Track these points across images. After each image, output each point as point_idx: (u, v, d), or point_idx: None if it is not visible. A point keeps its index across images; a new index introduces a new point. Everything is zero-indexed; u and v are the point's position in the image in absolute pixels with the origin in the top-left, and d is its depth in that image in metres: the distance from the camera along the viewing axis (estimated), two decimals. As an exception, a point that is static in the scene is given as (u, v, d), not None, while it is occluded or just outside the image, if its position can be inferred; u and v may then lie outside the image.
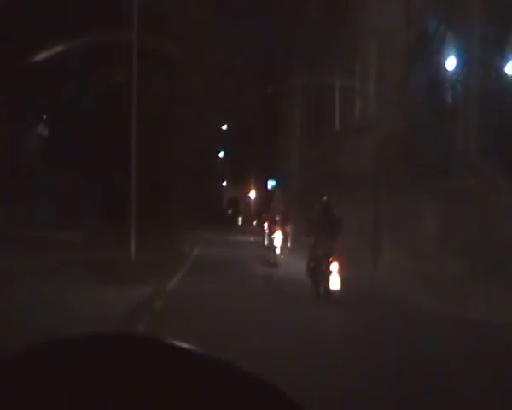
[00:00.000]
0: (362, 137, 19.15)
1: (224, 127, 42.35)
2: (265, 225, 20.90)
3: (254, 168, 45.51)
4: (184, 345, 0.94)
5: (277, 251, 18.62)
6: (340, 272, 11.10)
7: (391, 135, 16.42)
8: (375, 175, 17.23)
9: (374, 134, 17.91)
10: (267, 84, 32.76)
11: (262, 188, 42.44)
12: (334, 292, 11.10)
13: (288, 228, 19.58)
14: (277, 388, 0.92)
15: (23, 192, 18.40)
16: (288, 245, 19.80)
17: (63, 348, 0.96)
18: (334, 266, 11.09)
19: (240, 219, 45.13)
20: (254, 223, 32.04)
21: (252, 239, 28.19)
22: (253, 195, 45.09)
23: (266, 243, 20.30)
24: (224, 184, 52.53)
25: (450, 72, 15.29)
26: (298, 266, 13.50)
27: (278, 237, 18.81)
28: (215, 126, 36.23)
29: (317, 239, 11.66)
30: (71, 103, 19.05)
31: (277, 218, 19.23)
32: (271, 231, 19.28)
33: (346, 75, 21.20)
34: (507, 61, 13.68)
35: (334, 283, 11.09)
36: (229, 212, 47.90)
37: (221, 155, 48.40)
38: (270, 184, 41.44)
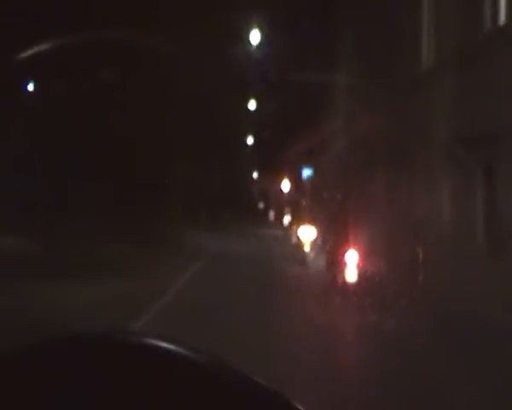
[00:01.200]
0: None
1: (252, 107, 41.20)
2: (286, 220, 21.20)
3: (288, 155, 45.34)
4: (166, 346, 1.01)
5: (306, 249, 18.83)
6: (360, 263, 11.83)
7: None
8: None
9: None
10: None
11: (296, 178, 42.43)
12: (350, 283, 11.74)
13: (318, 223, 19.74)
14: (259, 383, 0.97)
15: None
16: (319, 242, 19.95)
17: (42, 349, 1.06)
18: (349, 258, 11.81)
19: (271, 213, 45.28)
20: (285, 220, 32.19)
21: (281, 234, 28.37)
22: (286, 186, 45.11)
23: (294, 240, 20.52)
24: (255, 175, 52.56)
25: None
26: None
27: (307, 234, 19.03)
28: (240, 106, 35.81)
29: (334, 233, 12.31)
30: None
31: (306, 212, 19.49)
32: (300, 227, 19.52)
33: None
34: None
35: (350, 274, 11.86)
36: (260, 206, 48.07)
37: (250, 141, 48.37)
38: (306, 173, 41.30)
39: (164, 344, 1.03)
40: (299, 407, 1.00)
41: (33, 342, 1.06)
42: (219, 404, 0.98)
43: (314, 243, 19.15)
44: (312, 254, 18.65)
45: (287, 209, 34.27)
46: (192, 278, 15.48)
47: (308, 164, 39.66)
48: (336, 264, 12.36)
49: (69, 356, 1.04)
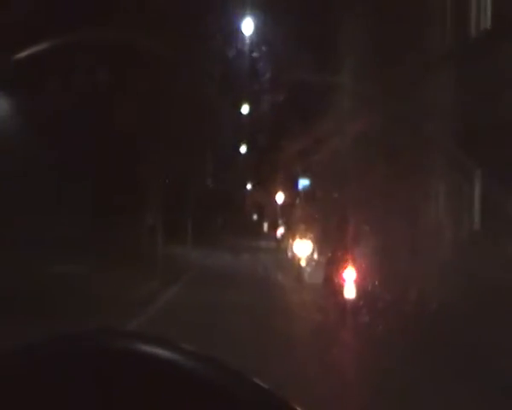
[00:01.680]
0: None
1: (245, 111, 40.10)
2: (281, 232, 21.06)
3: (283, 164, 45.18)
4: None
5: (302, 263, 18.57)
6: (358, 281, 11.76)
7: None
8: None
9: None
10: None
11: (291, 189, 42.29)
12: (349, 301, 11.68)
13: (314, 236, 19.50)
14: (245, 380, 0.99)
15: None
16: (315, 257, 19.66)
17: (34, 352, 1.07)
18: (348, 275, 11.78)
19: (265, 225, 45.25)
20: (280, 232, 31.97)
21: (275, 247, 28.12)
22: (280, 198, 45.00)
23: (289, 254, 20.26)
24: (248, 187, 52.38)
25: None
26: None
27: (303, 248, 18.78)
28: (233, 111, 35.22)
29: (332, 247, 12.28)
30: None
31: (302, 225, 19.25)
32: (295, 241, 19.27)
33: None
34: None
35: (348, 291, 11.72)
36: (254, 218, 48.08)
37: (243, 149, 48.11)
38: (302, 183, 41.07)
39: (164, 350, 1.04)
40: (298, 408, 1.00)
41: (31, 342, 1.08)
42: (217, 406, 0.99)
43: (310, 258, 18.89)
44: (309, 270, 18.35)
45: (281, 221, 34.05)
46: (163, 310, 12.43)
47: (304, 174, 39.50)
48: (334, 280, 12.18)
49: (68, 356, 1.05)
